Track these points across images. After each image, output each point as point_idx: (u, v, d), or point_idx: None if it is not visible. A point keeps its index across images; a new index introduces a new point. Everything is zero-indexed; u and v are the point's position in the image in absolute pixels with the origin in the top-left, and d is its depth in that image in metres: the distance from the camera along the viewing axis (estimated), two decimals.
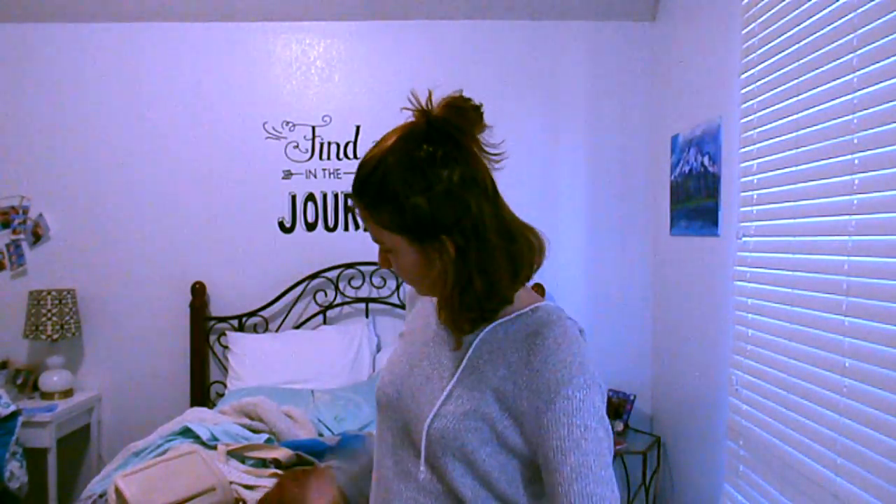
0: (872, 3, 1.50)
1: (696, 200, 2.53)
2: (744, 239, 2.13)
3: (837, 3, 1.63)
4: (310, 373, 2.82)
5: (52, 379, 2.90)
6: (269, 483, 1.73)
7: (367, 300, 3.09)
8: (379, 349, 3.06)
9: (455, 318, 0.90)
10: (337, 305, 3.10)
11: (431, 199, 0.84)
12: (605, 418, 0.84)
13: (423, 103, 0.86)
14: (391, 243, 0.88)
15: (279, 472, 1.85)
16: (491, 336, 0.90)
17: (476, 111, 0.86)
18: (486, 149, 0.88)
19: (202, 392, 3.02)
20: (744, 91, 2.12)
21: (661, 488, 2.94)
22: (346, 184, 3.11)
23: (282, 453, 1.96)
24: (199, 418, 2.27)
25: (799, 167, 1.80)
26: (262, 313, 3.07)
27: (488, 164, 0.89)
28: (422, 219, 0.84)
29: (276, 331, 3.08)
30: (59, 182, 3.07)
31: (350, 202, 3.12)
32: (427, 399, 0.90)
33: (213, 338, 3.10)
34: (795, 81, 1.82)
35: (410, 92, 0.86)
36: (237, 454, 1.97)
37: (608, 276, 3.14)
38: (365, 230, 0.91)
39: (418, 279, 0.92)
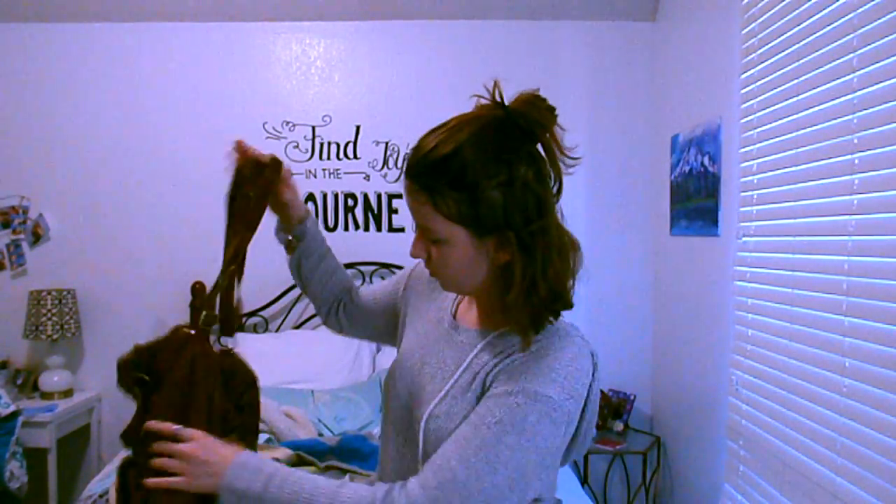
0: (872, 3, 1.50)
1: (696, 200, 2.53)
2: (744, 239, 2.13)
3: (837, 3, 1.63)
4: (310, 373, 2.82)
5: (52, 379, 2.90)
6: None
7: None
8: (379, 349, 3.05)
9: (519, 319, 0.84)
10: None
11: (507, 195, 0.81)
12: (530, 439, 0.78)
13: (495, 96, 0.84)
14: (446, 234, 0.84)
15: None
16: (498, 340, 0.89)
17: (551, 112, 0.85)
18: (564, 151, 0.86)
19: None
20: (744, 91, 2.12)
21: (661, 488, 2.94)
22: (346, 184, 3.11)
23: (281, 453, 1.96)
24: None
25: (799, 167, 1.80)
26: (262, 313, 3.07)
27: (561, 166, 0.87)
28: (493, 213, 0.81)
29: (276, 331, 3.08)
30: (59, 182, 3.07)
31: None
32: (427, 398, 0.90)
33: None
34: (795, 81, 1.82)
35: (492, 83, 0.84)
36: None
37: (608, 276, 3.13)
38: (408, 224, 0.89)
39: (463, 275, 0.88)
